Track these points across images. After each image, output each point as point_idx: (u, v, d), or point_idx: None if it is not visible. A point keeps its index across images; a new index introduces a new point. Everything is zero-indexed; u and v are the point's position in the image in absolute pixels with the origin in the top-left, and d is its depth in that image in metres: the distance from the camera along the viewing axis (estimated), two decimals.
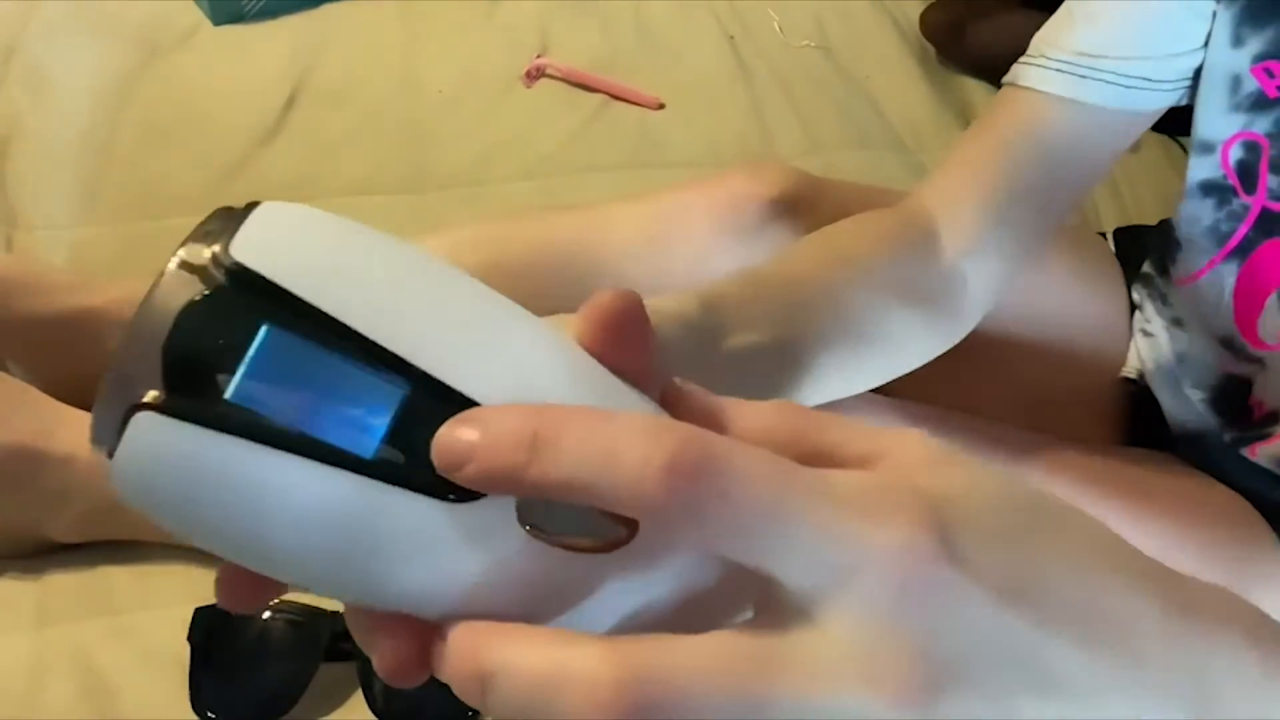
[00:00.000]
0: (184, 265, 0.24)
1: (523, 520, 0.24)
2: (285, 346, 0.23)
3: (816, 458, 0.26)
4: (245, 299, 0.24)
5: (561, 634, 0.23)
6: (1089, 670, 0.23)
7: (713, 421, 0.27)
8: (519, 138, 1.18)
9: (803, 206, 0.81)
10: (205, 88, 1.21)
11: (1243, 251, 0.68)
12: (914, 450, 0.26)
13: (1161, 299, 0.82)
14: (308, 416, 0.23)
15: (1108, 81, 0.65)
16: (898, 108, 1.25)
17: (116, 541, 0.77)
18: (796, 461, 0.23)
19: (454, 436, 0.24)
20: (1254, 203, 0.66)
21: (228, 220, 0.25)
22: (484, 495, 0.24)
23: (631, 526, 0.24)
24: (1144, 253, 0.86)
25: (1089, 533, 0.25)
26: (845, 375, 0.57)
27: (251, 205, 0.26)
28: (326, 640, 0.69)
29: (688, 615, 0.26)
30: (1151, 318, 0.84)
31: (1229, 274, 0.70)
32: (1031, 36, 0.69)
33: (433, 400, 0.24)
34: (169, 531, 0.26)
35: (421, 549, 0.24)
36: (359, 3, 1.33)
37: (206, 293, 0.24)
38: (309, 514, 0.24)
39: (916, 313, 0.63)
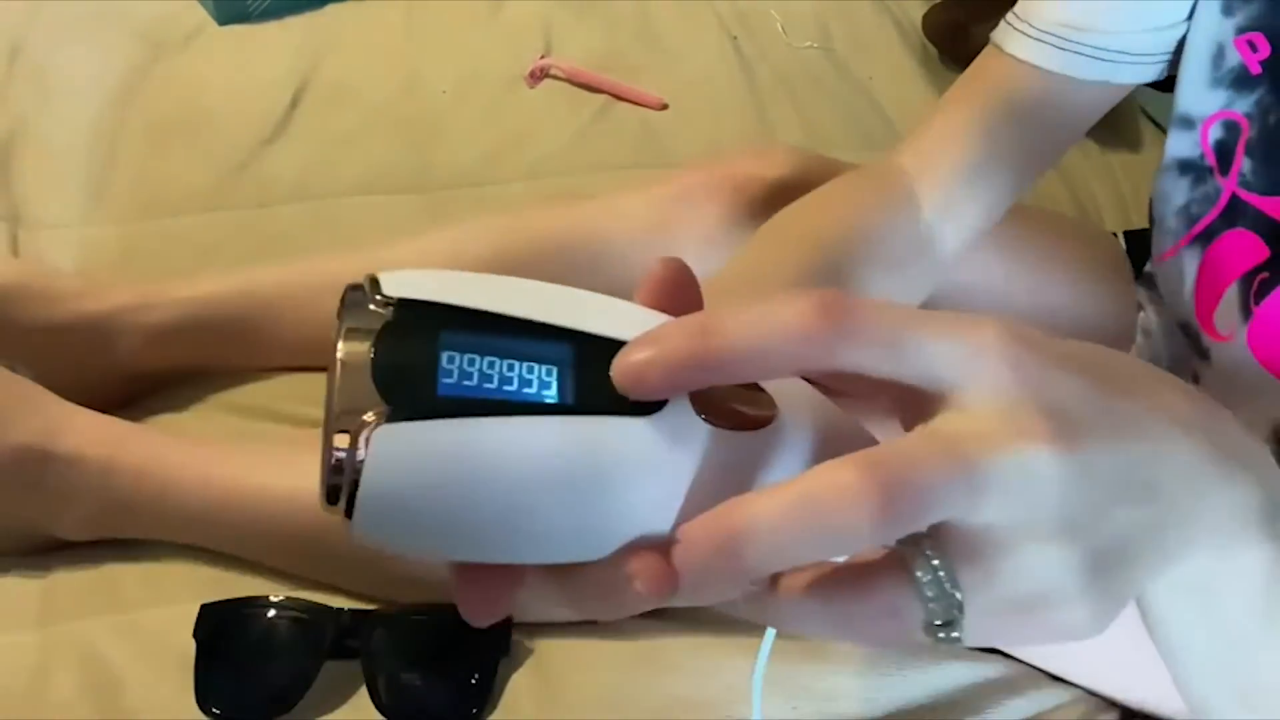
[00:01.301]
0: (351, 328, 0.28)
1: (697, 408, 0.28)
2: (463, 342, 0.27)
3: None
4: (416, 317, 0.28)
5: (782, 483, 0.27)
6: (1147, 415, 0.30)
7: None
8: (522, 138, 1.19)
9: (809, 187, 0.82)
10: (210, 87, 1.21)
11: (1207, 237, 0.68)
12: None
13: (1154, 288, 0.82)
14: (504, 386, 0.27)
15: (1087, 55, 0.65)
16: (900, 108, 1.25)
17: (123, 540, 0.78)
18: None
19: (633, 358, 0.28)
20: (1226, 186, 0.66)
21: (361, 288, 0.29)
22: (664, 405, 0.28)
23: (774, 406, 0.30)
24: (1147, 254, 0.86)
25: (1092, 345, 0.32)
26: None
27: (374, 276, 0.29)
28: (331, 638, 0.70)
29: None
30: (1151, 318, 0.84)
31: (1192, 259, 0.69)
32: None
33: (591, 349, 0.28)
34: (414, 554, 0.28)
35: (636, 463, 0.28)
36: (363, 3, 1.34)
37: (388, 321, 0.28)
38: (542, 461, 0.27)
39: (891, 272, 0.66)
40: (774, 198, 0.83)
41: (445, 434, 0.27)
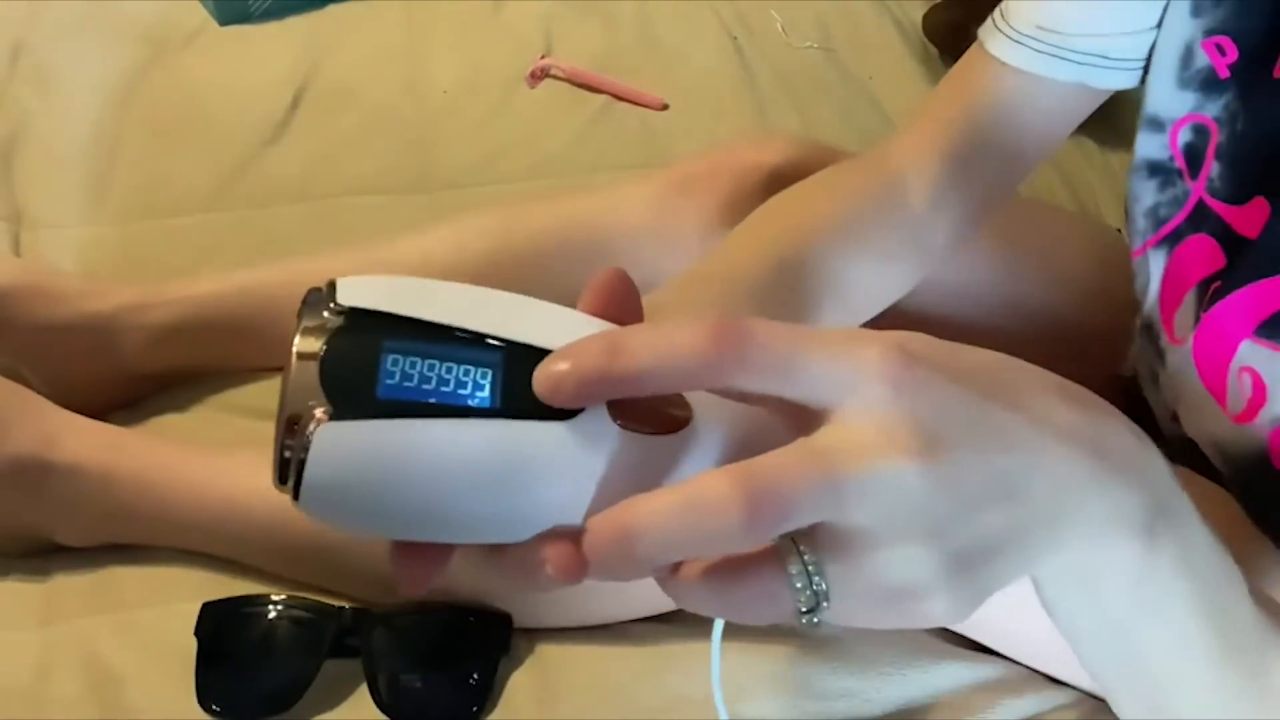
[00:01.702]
0: (307, 327, 0.31)
1: (613, 414, 0.32)
2: (404, 348, 0.31)
3: None
4: (363, 325, 0.31)
5: (675, 485, 0.31)
6: (1024, 428, 0.33)
7: None
8: (523, 138, 1.19)
9: (808, 175, 0.82)
10: (211, 88, 1.22)
11: (1173, 240, 0.68)
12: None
13: None
14: (440, 389, 0.31)
15: (1062, 58, 0.65)
16: (900, 108, 1.25)
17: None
18: None
19: (550, 369, 0.31)
20: (1194, 190, 0.66)
21: (320, 291, 0.32)
22: (581, 411, 0.31)
23: (688, 411, 0.33)
24: None
25: (993, 353, 0.35)
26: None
27: (333, 282, 0.33)
28: (332, 636, 0.70)
29: None
30: None
31: (1158, 260, 0.69)
32: None
33: (519, 356, 0.32)
34: (353, 532, 0.33)
35: (550, 462, 0.32)
36: (364, 3, 1.34)
37: (339, 326, 0.31)
38: (466, 459, 0.31)
39: (878, 263, 0.67)
40: (774, 186, 0.83)
41: (381, 433, 0.30)
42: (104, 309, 0.86)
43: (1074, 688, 0.70)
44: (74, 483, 0.75)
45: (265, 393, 0.90)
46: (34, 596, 0.76)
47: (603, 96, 1.24)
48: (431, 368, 0.31)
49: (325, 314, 0.31)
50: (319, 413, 0.30)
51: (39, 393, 0.80)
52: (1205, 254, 0.65)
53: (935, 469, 0.31)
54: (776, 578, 0.32)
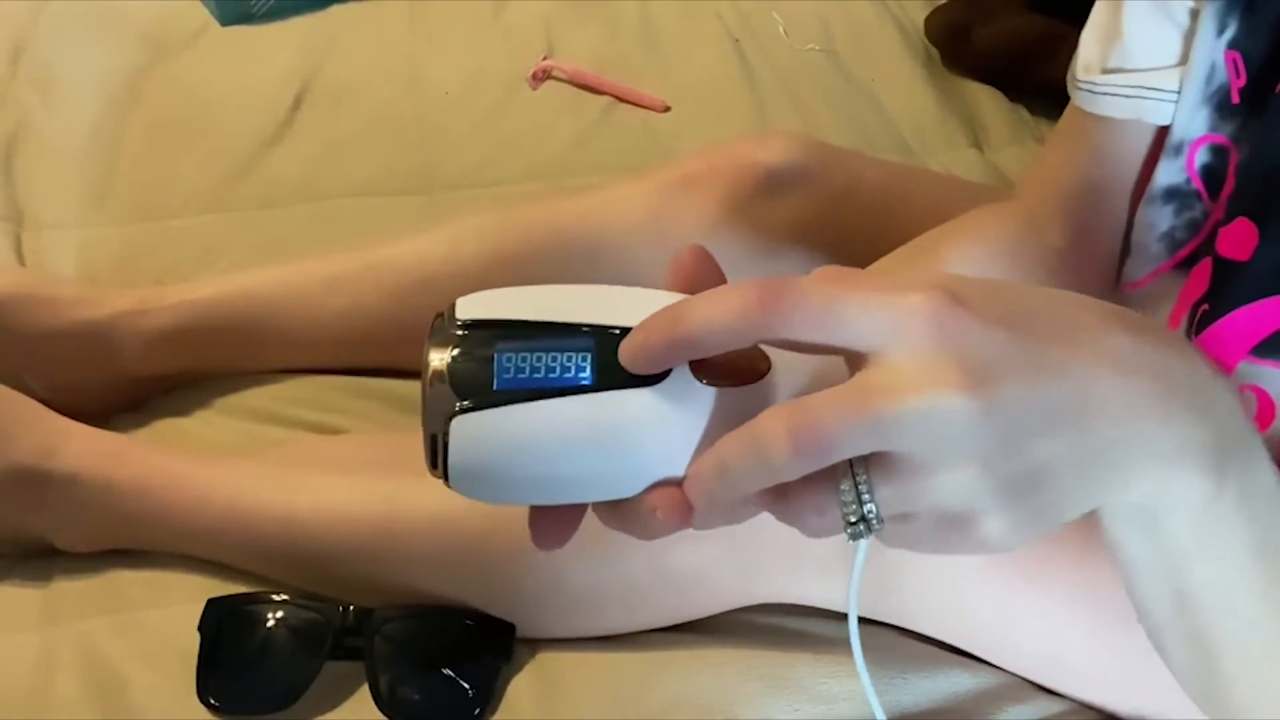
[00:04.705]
0: (437, 343, 0.38)
1: (698, 375, 0.37)
2: (513, 347, 0.37)
3: None
4: (480, 333, 0.38)
5: (747, 424, 0.35)
6: (1079, 359, 0.34)
7: None
8: (525, 139, 1.19)
9: (811, 174, 0.82)
10: (212, 88, 1.22)
11: (1189, 263, 0.68)
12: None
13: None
14: (548, 375, 0.37)
15: (1118, 95, 0.69)
16: (902, 111, 1.25)
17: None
18: None
19: (629, 343, 0.36)
20: (1213, 211, 0.66)
21: (443, 315, 0.39)
22: (668, 375, 0.37)
23: (768, 362, 0.38)
24: None
25: (1055, 291, 0.37)
26: None
27: (453, 303, 0.39)
28: (335, 635, 0.70)
29: None
30: None
31: (1175, 283, 0.69)
32: (1035, 40, 0.71)
33: (610, 337, 0.37)
34: (496, 503, 0.38)
35: (648, 422, 0.37)
36: (366, 4, 1.34)
37: (460, 338, 0.38)
38: (575, 428, 0.37)
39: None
40: (773, 185, 0.82)
41: (503, 418, 0.37)
42: (103, 315, 0.86)
43: (1072, 699, 0.70)
44: (74, 491, 0.75)
45: (267, 396, 0.90)
46: (35, 598, 0.76)
47: (604, 98, 1.24)
48: (539, 359, 0.37)
49: (449, 330, 0.38)
50: (454, 407, 0.37)
51: (40, 400, 0.80)
52: (1205, 277, 0.65)
53: (981, 400, 0.33)
54: (828, 493, 0.35)
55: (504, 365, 0.37)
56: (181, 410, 0.89)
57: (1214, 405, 0.36)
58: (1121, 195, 0.72)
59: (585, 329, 0.37)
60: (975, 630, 0.70)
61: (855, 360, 0.35)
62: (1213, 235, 0.65)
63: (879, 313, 0.34)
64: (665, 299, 0.38)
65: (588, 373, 0.37)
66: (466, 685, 0.70)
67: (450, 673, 0.70)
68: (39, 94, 1.18)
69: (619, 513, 0.38)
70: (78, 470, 0.75)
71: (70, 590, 0.76)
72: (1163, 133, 0.68)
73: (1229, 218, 0.63)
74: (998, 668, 0.71)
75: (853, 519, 0.35)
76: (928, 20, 1.34)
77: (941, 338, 0.33)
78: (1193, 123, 0.66)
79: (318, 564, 0.73)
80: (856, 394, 0.34)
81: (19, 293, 0.85)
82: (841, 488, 0.35)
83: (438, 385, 0.37)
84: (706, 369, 0.37)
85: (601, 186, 0.91)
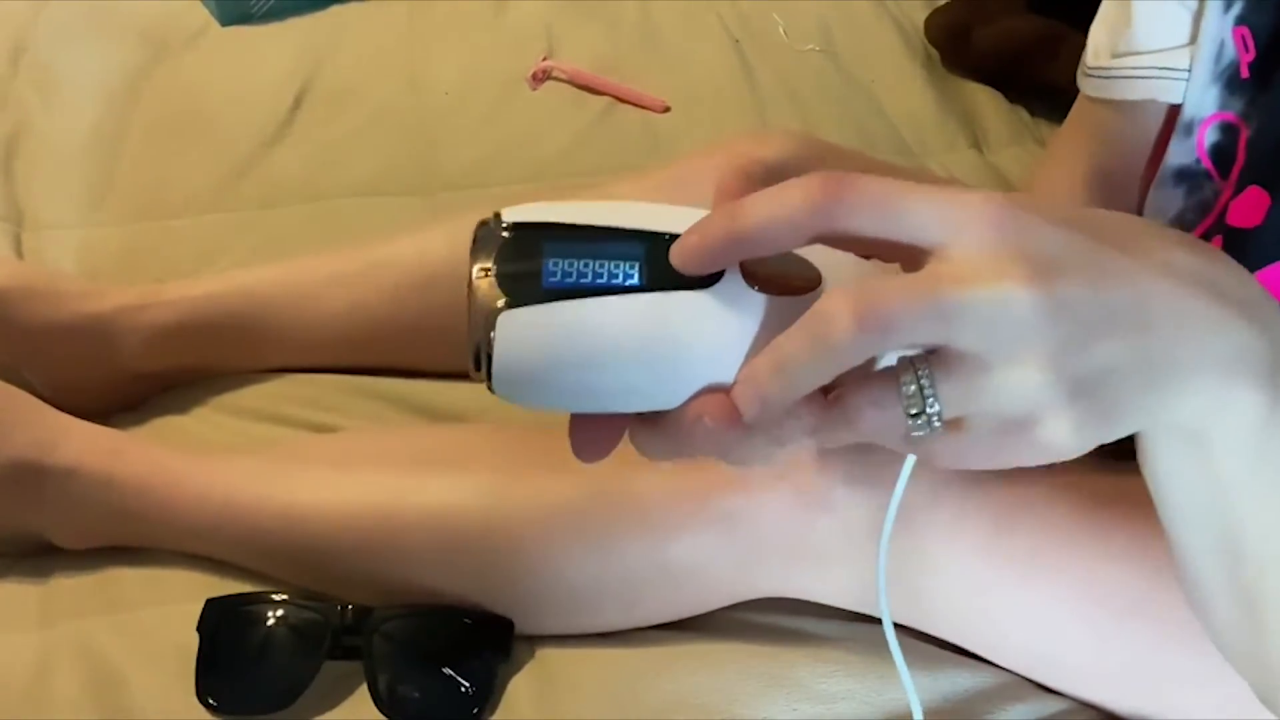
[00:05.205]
0: (482, 246, 0.37)
1: (749, 282, 0.36)
2: (561, 249, 0.36)
3: None
4: (527, 235, 0.37)
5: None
6: (1137, 265, 0.34)
7: None
8: (525, 140, 1.19)
9: (808, 171, 0.82)
10: (212, 88, 1.22)
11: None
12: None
13: None
14: (596, 278, 0.36)
15: (1136, 77, 0.69)
16: (902, 112, 1.25)
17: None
18: None
19: (683, 242, 0.35)
20: (1225, 188, 0.67)
21: (488, 221, 0.38)
22: (721, 278, 0.36)
23: (817, 274, 0.37)
24: None
25: (1111, 211, 0.36)
26: None
27: (498, 212, 0.38)
28: (333, 635, 0.70)
29: None
30: None
31: None
32: (1035, 41, 0.71)
33: (660, 242, 0.36)
34: (540, 408, 0.37)
35: (698, 325, 0.36)
36: (366, 4, 1.34)
37: (506, 239, 0.37)
38: (623, 330, 0.36)
39: None
40: (773, 182, 0.83)
41: (550, 315, 0.36)
42: (103, 309, 0.86)
43: (1070, 697, 0.70)
44: (73, 486, 0.75)
45: (267, 394, 0.90)
46: (34, 597, 0.76)
47: (604, 98, 1.24)
48: (586, 262, 0.36)
49: (495, 233, 0.37)
50: (500, 304, 0.36)
51: (38, 395, 0.80)
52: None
53: (1045, 295, 0.32)
54: (888, 387, 0.34)
55: (551, 267, 0.36)
56: (180, 409, 0.89)
57: (1270, 322, 0.36)
58: (1133, 180, 0.73)
59: (635, 234, 0.37)
60: (974, 628, 0.70)
61: (915, 258, 0.34)
62: (1224, 213, 0.65)
63: (943, 208, 0.34)
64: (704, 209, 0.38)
65: (636, 276, 0.36)
66: (465, 684, 0.70)
67: (449, 672, 0.70)
68: (39, 94, 1.18)
69: (661, 427, 0.37)
70: (77, 465, 0.75)
71: (69, 589, 0.76)
72: (1173, 114, 0.69)
73: (1239, 190, 0.63)
74: (997, 666, 0.71)
75: (914, 410, 0.34)
76: (928, 21, 1.34)
77: (1005, 234, 0.33)
78: (1203, 101, 0.66)
79: (317, 560, 0.73)
80: (922, 279, 0.33)
81: (18, 285, 0.84)
82: (903, 379, 0.34)
83: (484, 284, 0.36)
84: (758, 277, 0.36)
85: (601, 186, 0.91)
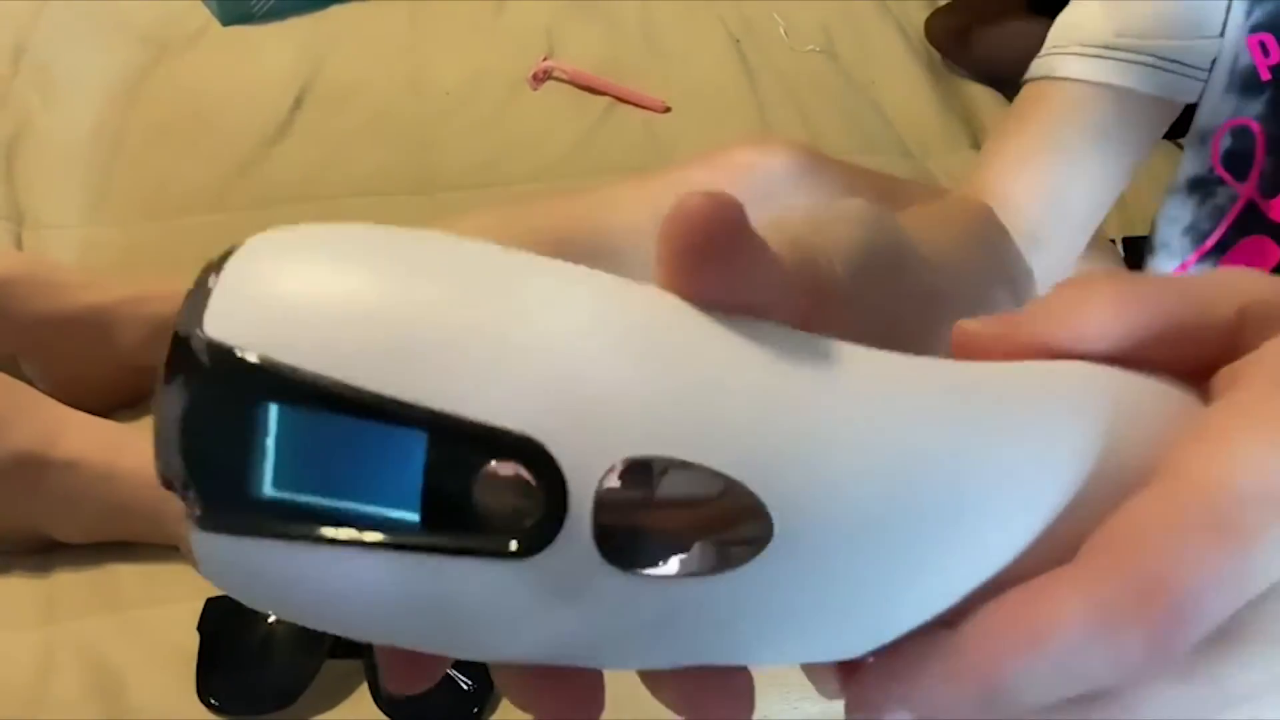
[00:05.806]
0: (171, 367, 0.20)
1: (608, 558, 0.20)
2: (293, 427, 0.19)
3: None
4: (232, 384, 0.20)
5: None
6: None
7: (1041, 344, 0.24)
8: (526, 140, 1.19)
9: (808, 179, 0.81)
10: (213, 88, 1.22)
11: (1219, 251, 0.67)
12: None
13: None
14: (343, 493, 0.20)
15: (1146, 64, 0.64)
16: (903, 113, 1.25)
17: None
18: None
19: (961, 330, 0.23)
20: (1243, 192, 0.66)
21: (203, 282, 0.20)
22: (551, 543, 0.19)
23: (764, 539, 0.20)
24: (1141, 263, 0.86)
25: None
26: None
27: (228, 253, 0.21)
28: (331, 636, 0.70)
29: None
30: None
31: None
32: (1036, 42, 0.69)
33: (455, 440, 0.19)
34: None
35: (501, 614, 0.20)
36: (367, 4, 1.34)
37: (196, 386, 0.20)
38: (377, 603, 0.20)
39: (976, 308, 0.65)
40: (774, 186, 0.82)
41: (265, 556, 0.20)
42: (104, 301, 0.86)
43: None
44: (73, 480, 0.75)
45: None
46: (35, 595, 0.76)
47: (605, 99, 1.24)
48: (332, 463, 0.19)
49: (196, 340, 0.20)
50: (191, 498, 0.20)
51: (38, 388, 0.80)
52: (1259, 254, 0.65)
53: None
54: None
55: (277, 459, 0.19)
56: None
57: None
58: (1106, 178, 0.68)
59: (412, 412, 0.19)
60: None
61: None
62: (1245, 216, 0.65)
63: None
64: (603, 300, 0.22)
65: (411, 501, 0.19)
66: (466, 683, 0.70)
67: (449, 671, 0.70)
68: (39, 94, 1.18)
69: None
70: (78, 457, 0.75)
71: (70, 587, 0.76)
72: (1169, 110, 0.66)
73: (1271, 193, 0.63)
74: None
75: None
76: (928, 22, 1.34)
77: None
78: (1219, 108, 0.65)
79: None
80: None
81: (19, 276, 0.84)
82: None
83: (166, 447, 0.20)
84: (612, 538, 0.20)
85: (602, 188, 0.91)
